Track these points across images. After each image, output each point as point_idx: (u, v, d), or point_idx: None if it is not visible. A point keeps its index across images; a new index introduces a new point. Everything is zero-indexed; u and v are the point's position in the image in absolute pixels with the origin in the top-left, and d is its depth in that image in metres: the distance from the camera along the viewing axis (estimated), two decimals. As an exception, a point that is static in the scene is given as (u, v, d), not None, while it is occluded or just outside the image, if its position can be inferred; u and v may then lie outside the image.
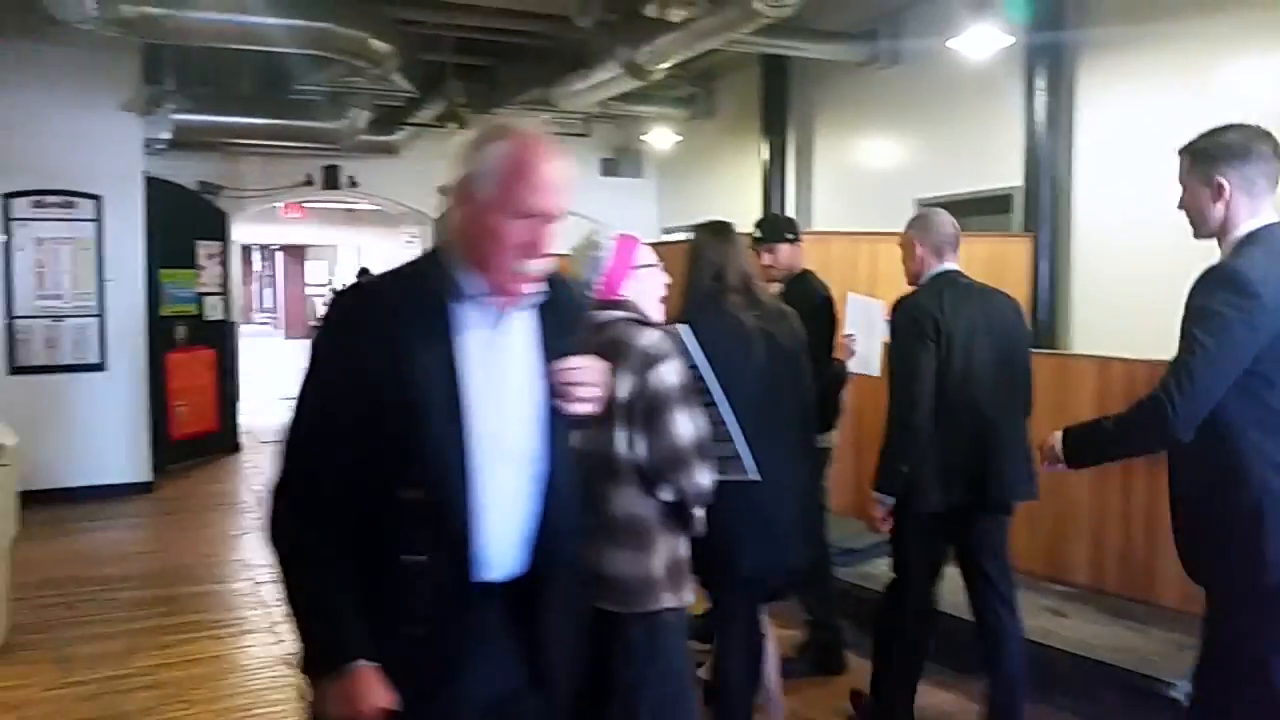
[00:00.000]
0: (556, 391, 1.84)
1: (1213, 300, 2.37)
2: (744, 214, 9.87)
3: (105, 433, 7.97)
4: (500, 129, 1.83)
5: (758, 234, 4.40)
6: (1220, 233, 2.49)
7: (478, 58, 9.84)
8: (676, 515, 2.48)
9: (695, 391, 2.52)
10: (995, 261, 6.77)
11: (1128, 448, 2.82)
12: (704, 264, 3.30)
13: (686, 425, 2.40)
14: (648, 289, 2.69)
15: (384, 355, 1.71)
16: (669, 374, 2.42)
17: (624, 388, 2.38)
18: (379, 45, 7.75)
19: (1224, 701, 2.52)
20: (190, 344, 9.47)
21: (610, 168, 12.44)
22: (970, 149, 7.67)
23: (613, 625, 2.40)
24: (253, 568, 6.03)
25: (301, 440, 1.79)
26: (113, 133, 7.89)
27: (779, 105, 9.41)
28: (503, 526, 1.76)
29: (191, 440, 9.48)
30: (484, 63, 9.98)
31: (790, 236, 4.45)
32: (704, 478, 2.40)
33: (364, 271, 12.82)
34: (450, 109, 9.38)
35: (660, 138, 10.38)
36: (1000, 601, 3.53)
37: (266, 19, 7.01)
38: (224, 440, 10.03)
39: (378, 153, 10.95)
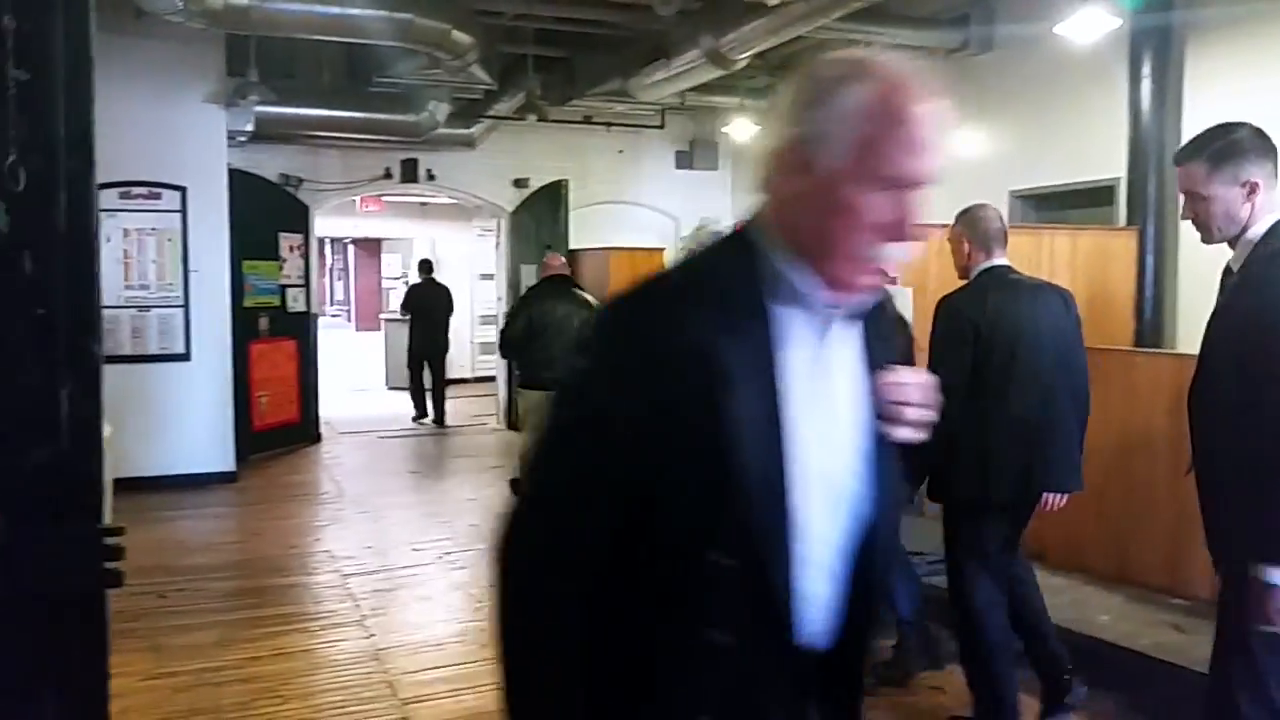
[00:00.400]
0: (883, 414, 1.41)
1: None
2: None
3: (190, 422, 8.07)
4: (854, 65, 1.33)
5: None
6: (1239, 233, 2.52)
7: (556, 49, 9.77)
8: None
9: None
10: (1098, 256, 6.53)
11: None
12: None
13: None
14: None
15: (694, 383, 1.25)
16: None
17: None
18: (460, 36, 7.70)
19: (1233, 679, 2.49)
20: (272, 335, 9.56)
21: (684, 160, 12.30)
22: (1069, 138, 7.39)
23: None
24: (338, 559, 6.03)
25: (565, 494, 1.33)
26: (197, 125, 7.97)
27: (864, 94, 9.17)
28: (819, 588, 1.35)
29: (273, 430, 9.57)
30: (562, 54, 9.91)
31: None
32: None
33: (425, 265, 12.77)
34: (529, 100, 9.32)
35: (740, 128, 10.20)
36: (1021, 581, 3.65)
37: (350, 9, 7.01)
38: (305, 431, 10.12)
39: (455, 145, 10.95)
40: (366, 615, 5.00)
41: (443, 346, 11.77)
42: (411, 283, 12.68)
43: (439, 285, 12.14)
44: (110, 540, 1.45)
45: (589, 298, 7.12)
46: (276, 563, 5.99)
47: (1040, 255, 5.96)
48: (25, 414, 1.39)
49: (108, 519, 4.20)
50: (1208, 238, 2.57)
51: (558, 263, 7.54)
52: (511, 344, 7.02)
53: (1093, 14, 6.02)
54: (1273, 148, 2.52)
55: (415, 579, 5.67)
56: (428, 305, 11.80)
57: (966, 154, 8.39)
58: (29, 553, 1.39)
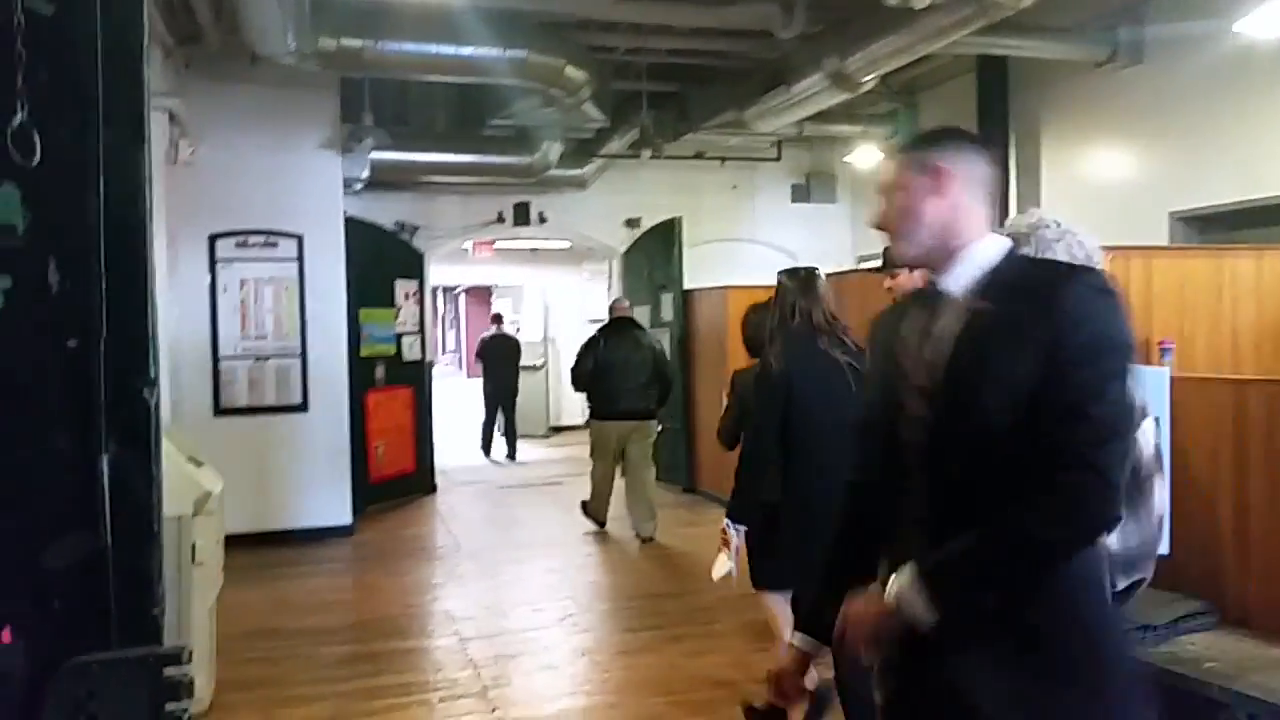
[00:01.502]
0: None
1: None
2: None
3: (308, 474, 7.91)
4: None
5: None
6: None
7: (669, 83, 9.51)
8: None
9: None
10: (1276, 281, 5.78)
11: None
12: (790, 308, 3.53)
13: (1163, 501, 2.11)
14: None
15: None
16: (1150, 434, 2.04)
17: None
18: (574, 73, 7.49)
19: None
20: (389, 384, 9.42)
21: (800, 194, 11.86)
22: (1238, 151, 6.69)
23: None
24: (457, 621, 5.70)
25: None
26: (313, 172, 7.90)
27: (998, 114, 8.59)
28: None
29: (390, 481, 9.40)
30: (675, 89, 9.64)
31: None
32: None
33: (496, 318, 13.71)
34: (643, 136, 9.05)
35: (864, 156, 9.72)
36: None
37: (464, 48, 6.85)
38: (421, 481, 9.93)
39: (567, 186, 10.75)
40: (488, 685, 4.63)
41: (513, 390, 12.95)
42: (484, 334, 13.81)
43: (509, 337, 13.63)
44: (173, 672, 1.06)
45: (650, 338, 8.04)
46: (393, 624, 5.69)
47: (1221, 279, 5.30)
48: (50, 492, 1.03)
49: (218, 580, 3.89)
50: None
51: (623, 306, 8.28)
52: (580, 380, 7.81)
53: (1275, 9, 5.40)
54: None
55: (537, 643, 5.29)
56: (499, 354, 13.05)
57: (1119, 175, 7.74)
58: (57, 691, 1.01)
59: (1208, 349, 5.20)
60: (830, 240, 11.76)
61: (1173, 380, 4.94)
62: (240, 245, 7.75)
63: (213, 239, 7.68)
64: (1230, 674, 3.76)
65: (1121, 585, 2.07)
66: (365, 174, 8.62)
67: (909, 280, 3.63)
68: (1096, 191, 7.91)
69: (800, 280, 3.60)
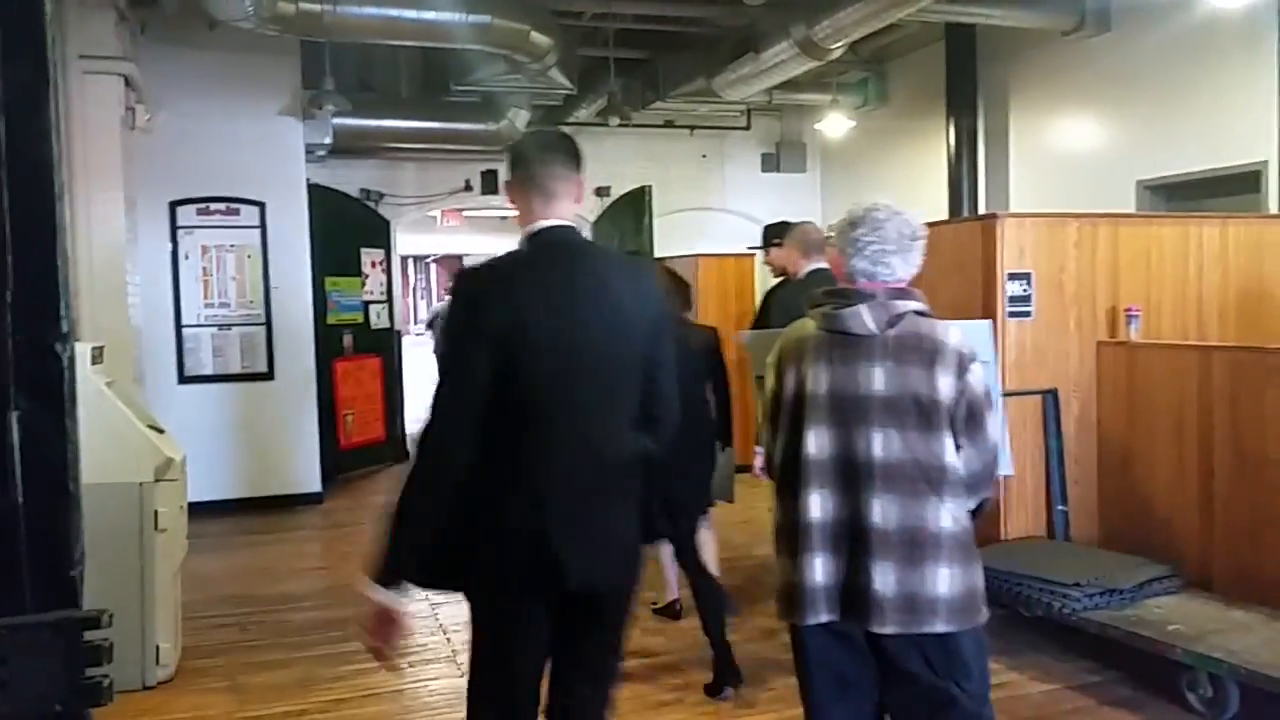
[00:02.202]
0: None
1: None
2: (926, 205, 9.16)
3: (275, 442, 7.85)
4: None
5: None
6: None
7: (637, 50, 9.43)
8: (975, 517, 2.44)
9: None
10: (1251, 246, 5.85)
11: None
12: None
13: (995, 430, 2.42)
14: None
15: None
16: (980, 376, 2.37)
17: (946, 390, 2.33)
18: (539, 38, 7.41)
19: None
20: (356, 352, 9.34)
21: (770, 163, 11.82)
22: (1205, 120, 6.75)
23: (938, 646, 2.32)
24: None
25: None
26: (275, 138, 7.78)
27: (966, 83, 8.61)
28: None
29: (360, 449, 9.35)
30: (644, 55, 9.56)
31: (777, 241, 5.14)
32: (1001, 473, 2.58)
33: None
34: (611, 104, 8.97)
35: (833, 125, 9.70)
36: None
37: (425, 12, 6.75)
38: (391, 449, 9.87)
39: (535, 154, 10.63)
40: (458, 650, 4.62)
41: None
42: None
43: None
44: (93, 636, 1.01)
45: None
46: (362, 591, 5.65)
47: (1187, 247, 5.34)
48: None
49: (181, 546, 3.83)
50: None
51: None
52: None
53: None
54: None
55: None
56: None
57: (1087, 144, 7.78)
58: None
59: (1174, 316, 5.26)
60: (800, 209, 11.68)
61: (1138, 347, 5.00)
62: (202, 212, 7.64)
63: (173, 206, 7.56)
64: (1193, 636, 3.83)
65: (972, 505, 2.40)
66: (328, 140, 8.50)
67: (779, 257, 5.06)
68: (1064, 160, 7.95)
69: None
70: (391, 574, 2.25)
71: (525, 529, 2.21)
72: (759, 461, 3.23)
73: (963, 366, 2.32)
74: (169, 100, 7.38)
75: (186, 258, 7.62)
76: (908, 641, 2.29)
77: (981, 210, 8.52)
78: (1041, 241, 5.04)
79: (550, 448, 2.23)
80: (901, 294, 2.39)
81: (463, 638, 4.75)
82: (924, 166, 9.52)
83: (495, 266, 2.36)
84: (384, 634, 2.27)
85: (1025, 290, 4.96)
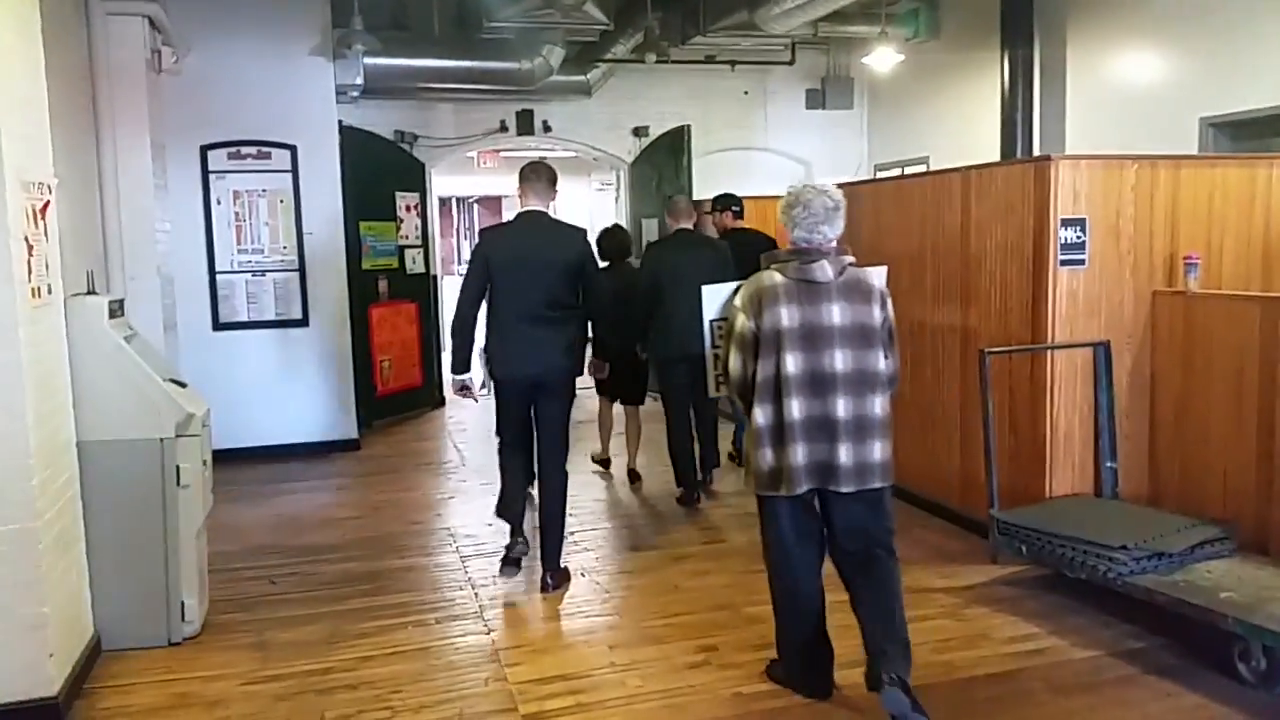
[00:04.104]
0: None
1: None
2: (977, 142, 8.80)
3: (311, 390, 7.83)
4: None
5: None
6: None
7: (676, -17, 9.11)
8: None
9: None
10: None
11: None
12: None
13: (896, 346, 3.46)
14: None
15: None
16: (890, 306, 3.40)
17: (878, 318, 3.35)
18: (574, -30, 7.13)
19: None
20: (392, 298, 9.27)
21: (815, 99, 11.44)
22: (1276, 55, 6.33)
23: (871, 496, 3.37)
24: (459, 538, 5.64)
25: None
26: (305, 79, 7.63)
27: (1022, 14, 8.19)
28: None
29: (396, 395, 9.33)
30: (682, -12, 9.24)
31: (719, 208, 7.22)
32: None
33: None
34: (648, 39, 8.68)
35: (882, 58, 9.32)
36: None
37: (456, -54, 6.50)
38: (428, 395, 9.85)
39: (571, 94, 10.39)
40: (485, 606, 4.56)
41: None
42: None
43: None
44: None
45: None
46: (395, 541, 5.63)
47: (1253, 190, 5.03)
48: None
49: (206, 502, 3.80)
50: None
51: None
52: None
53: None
54: None
55: (536, 562, 5.22)
56: None
57: (1148, 78, 7.38)
58: None
59: (1236, 264, 4.98)
60: (846, 148, 11.41)
61: (1196, 297, 4.73)
62: (233, 157, 7.53)
63: (204, 150, 7.46)
64: (1247, 605, 3.63)
65: (889, 395, 3.38)
66: (359, 81, 8.32)
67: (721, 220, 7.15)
68: (1124, 96, 7.56)
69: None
70: (456, 366, 4.81)
71: (496, 348, 4.75)
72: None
73: (884, 301, 3.37)
74: (197, 42, 7.25)
75: (219, 203, 7.54)
76: (856, 496, 3.33)
77: (1036, 150, 8.16)
78: (1097, 185, 4.76)
79: (504, 311, 4.69)
80: (840, 251, 3.37)
81: (489, 593, 4.71)
82: (976, 103, 9.15)
83: (495, 228, 5.11)
84: (464, 395, 4.92)
85: (1079, 237, 4.71)
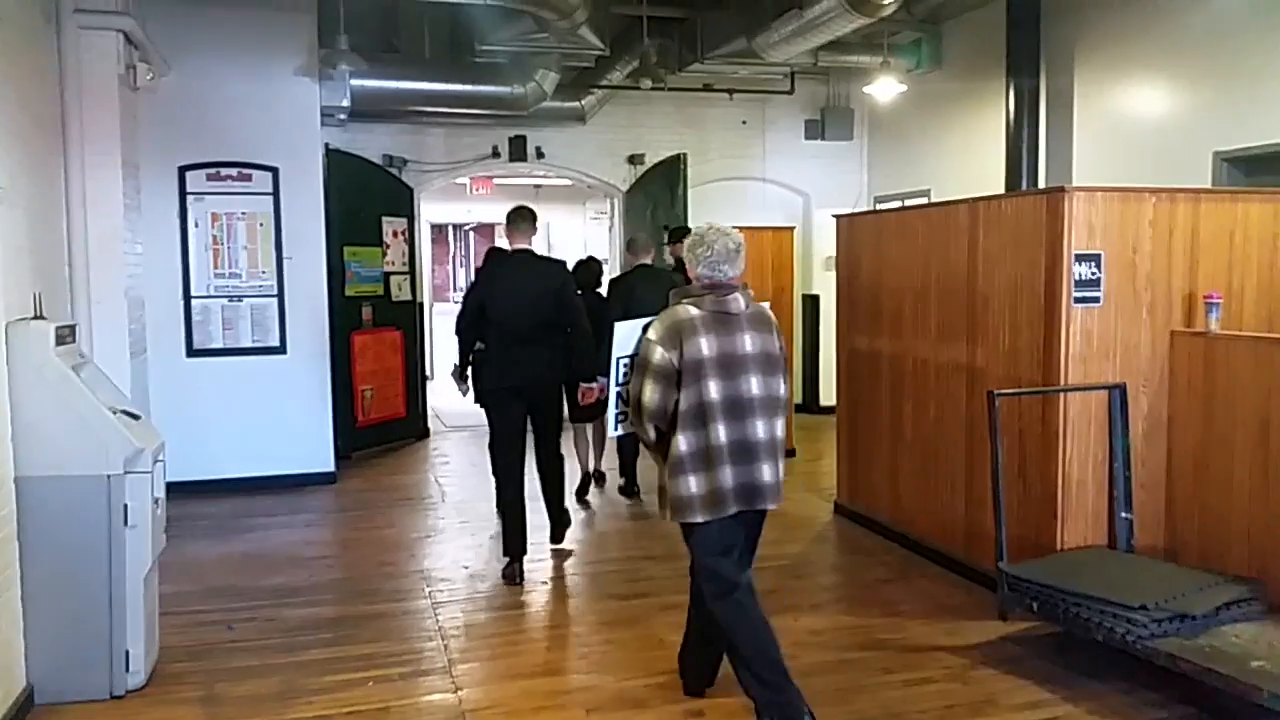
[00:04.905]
0: None
1: None
2: (980, 175, 8.56)
3: (286, 420, 7.52)
4: None
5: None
6: None
7: (673, 8, 8.90)
8: None
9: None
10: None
11: None
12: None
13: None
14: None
15: None
16: (782, 338, 3.65)
17: (778, 347, 3.57)
18: (568, -8, 6.91)
19: None
20: (376, 325, 8.99)
21: (814, 130, 11.22)
22: (1294, 85, 6.10)
23: (761, 517, 3.60)
24: (433, 582, 5.32)
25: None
26: (289, 100, 7.39)
27: (1029, 44, 7.97)
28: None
29: (378, 426, 9.02)
30: (680, 14, 9.03)
31: (676, 240, 7.48)
32: None
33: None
34: (644, 65, 8.46)
35: (883, 88, 9.10)
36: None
37: (447, -37, 6.28)
38: (411, 426, 9.55)
39: (565, 120, 10.17)
40: (454, 659, 4.24)
41: None
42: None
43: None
44: None
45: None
46: (364, 584, 5.31)
47: (1276, 226, 4.77)
48: None
49: (157, 542, 3.45)
50: None
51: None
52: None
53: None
54: None
55: (513, 611, 4.91)
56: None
57: (1159, 110, 7.15)
58: None
59: (1259, 304, 4.71)
60: (846, 179, 11.18)
61: (1217, 338, 4.46)
62: (212, 178, 7.27)
63: (182, 171, 7.20)
64: (1284, 678, 3.34)
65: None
66: (346, 102, 8.09)
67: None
68: (1134, 128, 7.33)
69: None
70: (457, 373, 5.69)
71: (493, 364, 5.42)
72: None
73: (779, 331, 3.61)
74: (177, 59, 7.01)
75: (196, 225, 7.27)
76: (763, 516, 3.59)
77: (1041, 183, 7.92)
78: (1113, 219, 4.50)
79: (497, 333, 5.41)
80: (745, 287, 3.57)
81: (459, 645, 4.39)
82: (980, 134, 8.93)
83: (489, 263, 5.69)
84: (458, 381, 5.71)
85: (1094, 274, 4.44)
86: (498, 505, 5.62)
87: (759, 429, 3.42)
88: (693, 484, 3.41)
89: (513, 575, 5.27)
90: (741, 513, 3.46)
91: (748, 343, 3.45)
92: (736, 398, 3.40)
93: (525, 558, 5.41)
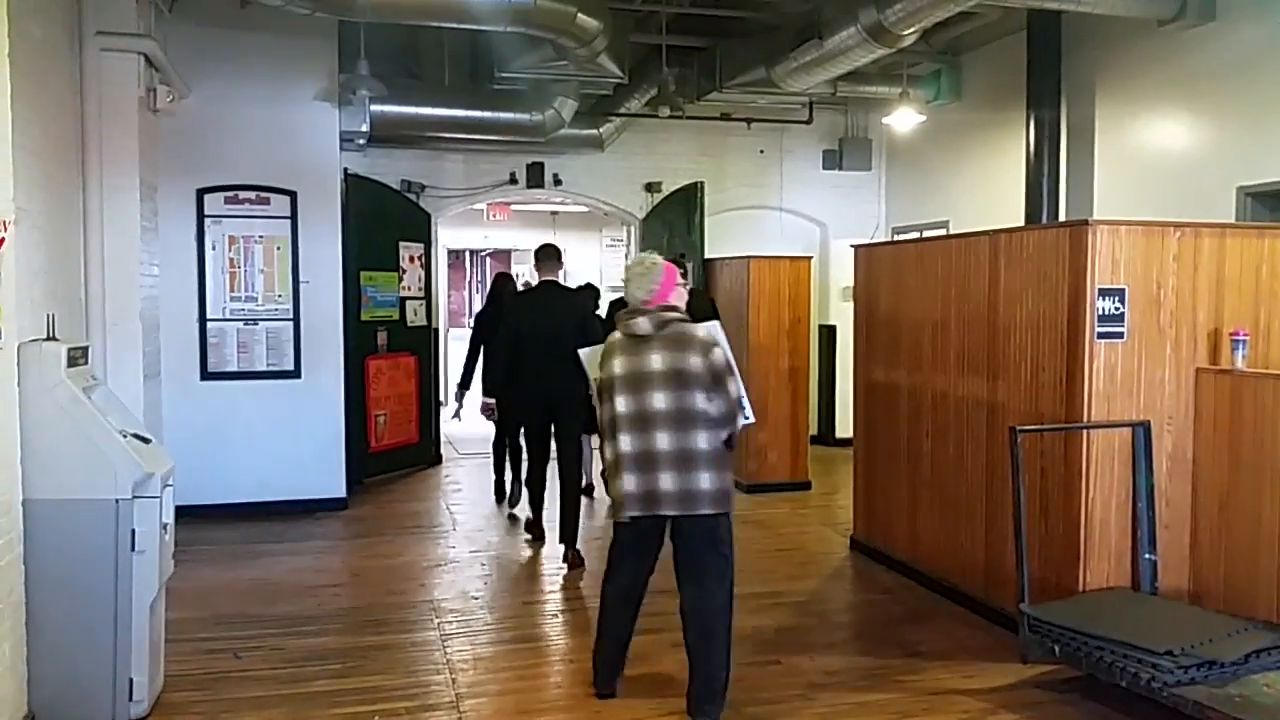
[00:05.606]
0: None
1: None
2: (1000, 207, 8.49)
3: (298, 445, 7.48)
4: None
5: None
6: None
7: (692, 37, 8.91)
8: (730, 447, 3.85)
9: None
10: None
11: None
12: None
13: (735, 387, 3.81)
14: (682, 298, 4.01)
15: None
16: (720, 355, 3.82)
17: (697, 365, 3.77)
18: (586, 21, 6.92)
19: None
20: (391, 350, 8.97)
21: (832, 160, 11.19)
22: (1318, 119, 6.03)
23: (704, 522, 3.82)
24: (443, 613, 5.25)
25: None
26: (308, 124, 7.42)
27: (1049, 77, 7.92)
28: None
29: (391, 451, 8.98)
30: (698, 44, 9.04)
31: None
32: (743, 421, 3.86)
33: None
34: (663, 94, 8.46)
35: (902, 119, 9.08)
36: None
37: (466, -9, 6.29)
38: (424, 452, 9.50)
39: (583, 147, 10.17)
40: (462, 695, 4.16)
41: None
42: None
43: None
44: None
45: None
46: (373, 614, 5.24)
47: (1305, 261, 4.68)
48: None
49: (165, 568, 3.43)
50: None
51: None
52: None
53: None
54: None
55: (524, 644, 4.83)
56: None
57: (1181, 145, 7.08)
58: None
59: (1288, 341, 4.61)
60: (863, 210, 11.14)
61: (1244, 376, 4.37)
62: (230, 201, 7.29)
63: (200, 193, 7.22)
64: (1320, 732, 3.23)
65: (724, 435, 3.81)
66: (365, 128, 8.11)
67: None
68: (1155, 162, 7.26)
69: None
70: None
71: (523, 383, 6.24)
72: None
73: (706, 349, 3.78)
74: (198, 82, 7.04)
75: (213, 248, 7.28)
76: (692, 521, 3.80)
77: (1062, 215, 7.85)
78: (1137, 253, 4.43)
79: (527, 359, 6.18)
80: (668, 308, 3.88)
81: (468, 679, 4.32)
82: (1000, 167, 8.87)
83: (522, 293, 7.82)
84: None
85: (1118, 308, 4.37)
86: (527, 481, 6.77)
87: (662, 440, 3.73)
88: (611, 487, 3.90)
89: (537, 531, 6.73)
90: (646, 517, 3.81)
91: (656, 361, 3.78)
92: (642, 411, 3.77)
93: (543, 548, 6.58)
